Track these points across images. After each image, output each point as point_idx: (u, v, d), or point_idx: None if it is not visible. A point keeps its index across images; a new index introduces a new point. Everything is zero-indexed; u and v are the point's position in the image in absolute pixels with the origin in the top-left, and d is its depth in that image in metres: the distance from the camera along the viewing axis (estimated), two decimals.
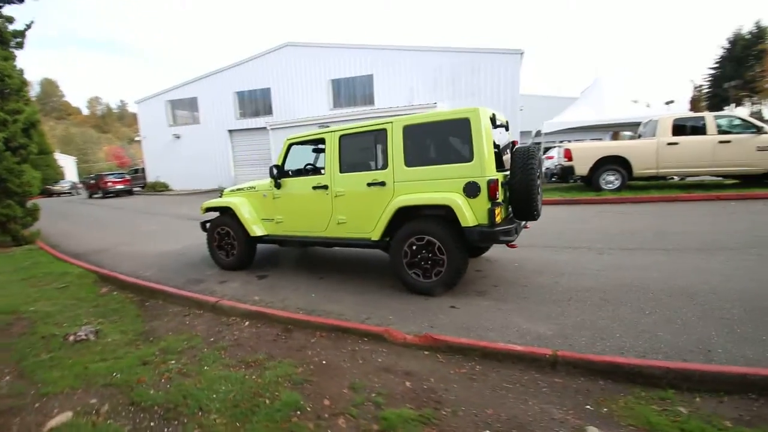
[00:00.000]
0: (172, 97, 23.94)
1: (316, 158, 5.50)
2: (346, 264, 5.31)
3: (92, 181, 24.21)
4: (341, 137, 4.28)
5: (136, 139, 28.90)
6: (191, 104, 23.61)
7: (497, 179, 3.54)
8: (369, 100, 19.15)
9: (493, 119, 3.79)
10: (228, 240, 5.19)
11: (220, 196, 5.52)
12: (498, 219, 3.54)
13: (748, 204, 7.57)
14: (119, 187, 22.79)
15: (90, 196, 24.28)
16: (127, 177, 24.33)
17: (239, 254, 5.11)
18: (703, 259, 4.37)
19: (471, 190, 3.52)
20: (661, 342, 2.61)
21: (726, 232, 5.49)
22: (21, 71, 7.53)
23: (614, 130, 20.84)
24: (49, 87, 72.50)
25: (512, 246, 3.90)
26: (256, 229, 4.92)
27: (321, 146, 5.15)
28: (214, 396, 2.29)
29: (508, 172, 3.98)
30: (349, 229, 4.27)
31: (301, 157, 5.31)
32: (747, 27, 33.73)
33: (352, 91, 19.76)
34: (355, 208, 4.20)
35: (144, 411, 2.23)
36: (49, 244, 7.74)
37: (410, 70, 18.09)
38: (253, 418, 2.08)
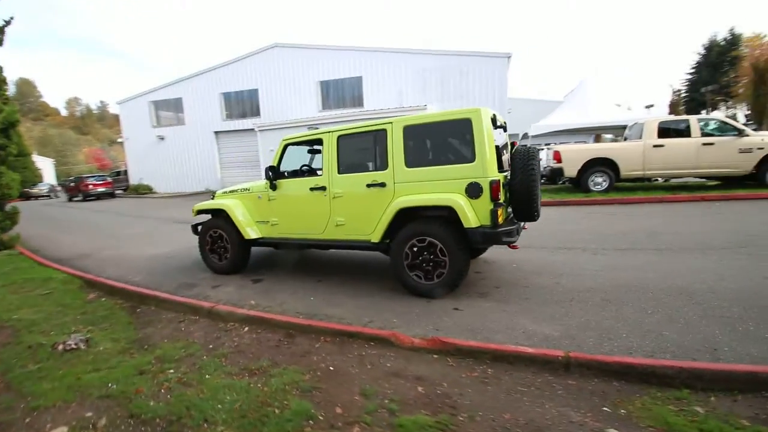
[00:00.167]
0: (155, 98, 23.40)
1: (312, 159, 5.42)
2: (342, 266, 5.23)
3: (72, 184, 23.49)
4: (339, 138, 4.21)
5: (118, 140, 28.22)
6: (176, 105, 23.11)
7: (499, 180, 3.52)
8: (358, 101, 19.09)
9: (493, 120, 3.78)
10: (221, 243, 5.06)
11: (212, 198, 5.39)
12: (500, 220, 3.53)
13: (731, 204, 7.79)
14: (100, 189, 22.14)
15: (70, 200, 23.51)
16: (109, 180, 23.66)
17: (233, 258, 4.98)
18: (697, 259, 4.45)
19: (473, 190, 3.50)
20: (668, 341, 2.62)
21: (714, 232, 5.62)
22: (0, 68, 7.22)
23: (596, 133, 21.34)
24: (26, 87, 70.19)
25: (514, 247, 3.89)
26: (251, 232, 4.81)
27: (317, 147, 5.10)
28: (219, 406, 2.19)
29: (507, 173, 3.98)
30: (348, 231, 4.20)
31: (296, 158, 5.23)
32: (722, 34, 34.93)
33: (341, 92, 19.66)
34: (354, 210, 4.14)
35: (145, 424, 2.11)
36: (29, 248, 7.43)
37: (399, 73, 18.11)
38: (263, 429, 1.99)
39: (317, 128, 5.03)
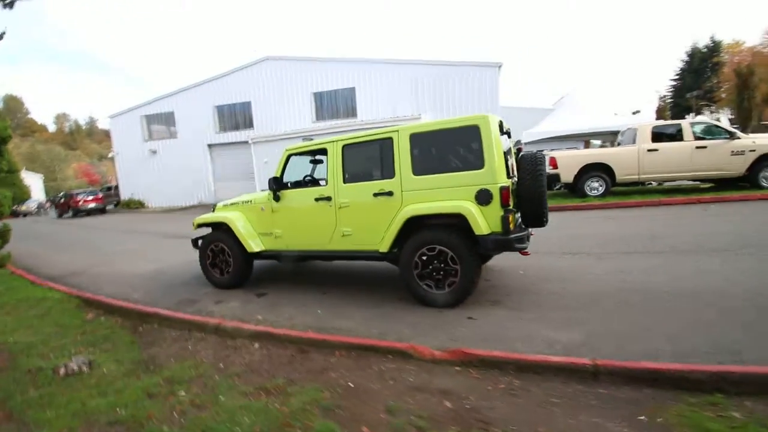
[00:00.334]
0: (147, 112, 23.21)
1: (313, 169, 5.36)
2: (346, 277, 5.15)
3: (62, 200, 23.04)
4: (345, 147, 4.17)
5: (109, 155, 27.82)
6: (168, 119, 22.94)
7: (509, 186, 3.50)
8: (352, 112, 19.15)
9: (500, 126, 3.78)
10: (223, 257, 4.94)
11: (213, 211, 5.29)
12: (511, 226, 3.50)
13: (725, 206, 7.88)
14: (91, 205, 21.68)
15: (60, 216, 23.04)
16: (100, 195, 23.22)
17: (235, 272, 4.87)
18: (702, 261, 4.45)
19: (483, 197, 3.47)
20: (690, 345, 2.58)
21: (714, 234, 5.65)
22: None
23: (585, 139, 21.67)
24: (13, 103, 69.16)
25: (525, 253, 3.85)
26: (254, 245, 4.71)
27: (320, 157, 5.04)
28: (238, 429, 2.08)
29: (514, 179, 3.97)
30: (355, 241, 4.13)
31: (299, 168, 5.16)
32: (703, 41, 35.96)
33: (334, 103, 19.71)
34: (361, 220, 4.07)
35: None
36: (21, 267, 7.21)
37: (392, 83, 18.24)
38: None
39: (312, 139, 4.98)
